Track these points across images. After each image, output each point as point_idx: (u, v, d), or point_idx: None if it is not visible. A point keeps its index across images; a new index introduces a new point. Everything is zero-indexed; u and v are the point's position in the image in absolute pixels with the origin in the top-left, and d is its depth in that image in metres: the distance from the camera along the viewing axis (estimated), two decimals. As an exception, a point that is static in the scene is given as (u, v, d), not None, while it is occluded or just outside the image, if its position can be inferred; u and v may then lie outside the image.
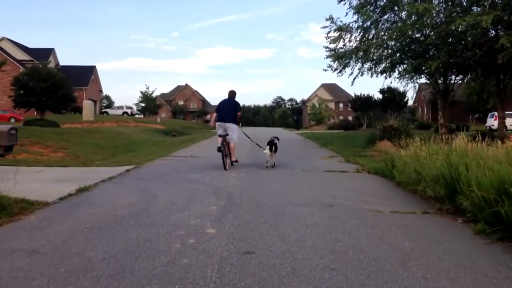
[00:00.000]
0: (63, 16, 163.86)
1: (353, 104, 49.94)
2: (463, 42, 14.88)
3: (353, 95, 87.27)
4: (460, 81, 19.23)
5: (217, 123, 10.70)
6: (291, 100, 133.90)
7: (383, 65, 17.83)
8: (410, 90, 49.51)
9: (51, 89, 28.17)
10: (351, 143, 17.60)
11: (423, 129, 30.50)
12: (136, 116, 61.42)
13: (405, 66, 17.44)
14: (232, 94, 10.93)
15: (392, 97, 42.57)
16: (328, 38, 18.17)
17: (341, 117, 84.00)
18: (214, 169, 9.67)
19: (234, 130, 10.52)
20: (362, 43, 17.26)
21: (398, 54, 17.34)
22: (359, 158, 12.54)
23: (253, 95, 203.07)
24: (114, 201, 6.13)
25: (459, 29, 14.32)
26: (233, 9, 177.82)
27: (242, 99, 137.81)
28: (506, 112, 33.32)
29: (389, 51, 17.34)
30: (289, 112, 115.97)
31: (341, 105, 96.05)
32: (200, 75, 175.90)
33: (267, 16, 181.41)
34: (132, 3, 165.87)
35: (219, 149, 9.83)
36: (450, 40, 15.28)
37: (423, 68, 16.13)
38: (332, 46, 18.17)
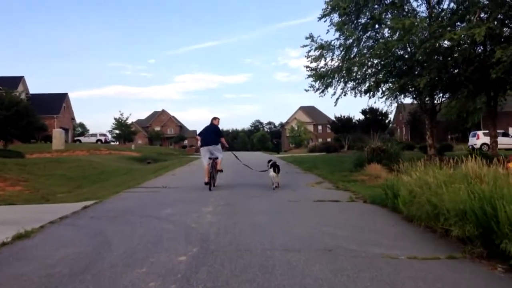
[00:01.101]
0: (38, 45, 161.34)
1: (333, 126, 49.33)
2: (449, 59, 14.16)
3: (331, 117, 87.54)
4: (447, 99, 18.47)
5: (202, 148, 11.24)
6: (269, 123, 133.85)
7: (367, 84, 17.00)
8: (394, 110, 49.18)
9: (15, 118, 26.40)
10: (337, 166, 16.52)
11: (407, 150, 29.78)
12: (112, 143, 59.54)
13: (390, 85, 16.64)
14: (214, 120, 11.66)
15: (374, 117, 42.07)
16: (309, 57, 17.32)
17: (320, 140, 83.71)
18: (188, 203, 8.39)
19: (219, 150, 11.19)
20: (345, 62, 16.42)
21: (383, 73, 16.54)
22: (348, 183, 11.43)
23: (231, 120, 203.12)
24: (56, 253, 4.80)
25: (448, 44, 13.62)
26: (211, 35, 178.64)
27: (220, 124, 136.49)
28: (488, 131, 33.28)
29: (373, 69, 16.55)
30: (268, 136, 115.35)
31: (320, 127, 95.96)
32: (178, 100, 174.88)
33: (244, 42, 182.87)
34: (108, 32, 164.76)
35: (206, 183, 10.47)
36: (437, 57, 14.55)
37: (410, 86, 15.34)
38: (313, 65, 17.32)
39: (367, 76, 16.78)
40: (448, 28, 13.92)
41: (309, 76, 17.45)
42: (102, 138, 55.79)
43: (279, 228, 5.90)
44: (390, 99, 18.26)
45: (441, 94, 17.67)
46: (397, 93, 16.72)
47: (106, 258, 4.55)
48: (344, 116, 46.11)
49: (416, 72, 14.97)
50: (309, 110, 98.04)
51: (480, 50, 14.61)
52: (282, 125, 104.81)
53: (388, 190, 7.47)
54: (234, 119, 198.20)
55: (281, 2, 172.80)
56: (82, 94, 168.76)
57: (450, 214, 4.73)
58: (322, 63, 17.22)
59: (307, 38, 16.97)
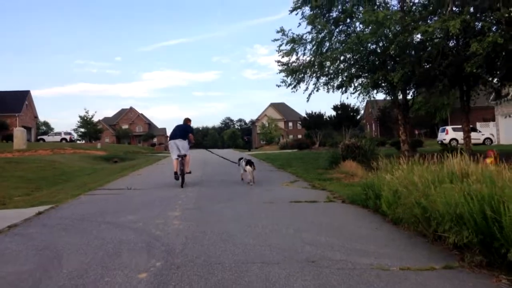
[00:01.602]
0: (2, 42, 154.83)
1: (304, 123, 49.10)
2: (422, 53, 13.89)
3: (302, 113, 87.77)
4: (421, 94, 18.30)
5: (169, 142, 11.81)
6: (240, 120, 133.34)
7: (340, 80, 16.61)
8: (374, 104, 49.34)
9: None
10: (311, 164, 16.09)
11: (379, 146, 29.76)
12: (78, 142, 57.56)
13: (363, 80, 16.32)
14: (186, 121, 12.26)
15: (345, 113, 41.96)
16: (280, 51, 16.77)
17: (291, 136, 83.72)
18: (153, 206, 7.70)
19: (185, 146, 11.45)
20: (317, 56, 15.96)
21: (356, 67, 16.18)
22: (324, 182, 10.97)
23: (201, 117, 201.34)
24: (-7, 272, 4.06)
25: (422, 38, 13.34)
26: (179, 32, 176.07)
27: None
28: (459, 126, 33.73)
29: (346, 64, 16.15)
30: (239, 133, 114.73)
31: (290, 124, 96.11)
32: (146, 98, 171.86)
33: (213, 39, 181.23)
34: (74, 28, 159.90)
35: (176, 177, 10.92)
36: (410, 51, 14.28)
37: (383, 81, 15.04)
38: (284, 60, 16.79)
39: (340, 71, 16.39)
40: (420, 22, 13.66)
41: (281, 71, 16.92)
42: (67, 137, 53.85)
43: (254, 235, 5.31)
44: (362, 94, 17.96)
45: (414, 89, 17.46)
46: (370, 88, 16.39)
47: (53, 278, 3.86)
48: (315, 113, 45.94)
49: (389, 67, 14.70)
50: (280, 107, 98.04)
51: (453, 44, 14.42)
52: (252, 122, 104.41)
53: (368, 189, 7.00)
54: (204, 117, 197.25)
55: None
56: (47, 92, 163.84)
57: (443, 218, 4.26)
58: (294, 57, 16.73)
59: (278, 31, 16.44)
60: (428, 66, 14.09)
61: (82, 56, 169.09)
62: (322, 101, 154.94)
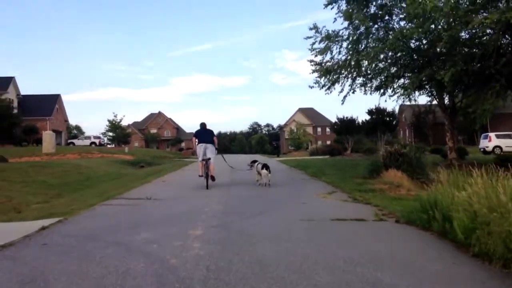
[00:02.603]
0: (33, 46, 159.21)
1: (335, 128, 47.37)
2: (475, 49, 12.44)
3: (331, 118, 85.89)
4: (471, 96, 16.65)
5: (198, 145, 12.29)
6: (267, 125, 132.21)
7: (379, 80, 15.25)
8: (407, 109, 47.08)
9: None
10: (347, 172, 14.79)
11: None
12: (108, 146, 57.75)
13: (404, 80, 14.91)
14: (204, 125, 12.84)
15: (381, 118, 39.90)
16: (313, 50, 15.59)
17: (320, 142, 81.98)
18: (171, 222, 6.64)
19: (212, 151, 12.20)
20: (354, 55, 14.68)
21: (398, 66, 14.79)
22: (366, 194, 9.70)
23: (229, 122, 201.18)
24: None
25: (475, 32, 11.92)
26: (209, 37, 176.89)
27: (218, 126, 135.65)
28: (502, 133, 31.60)
29: (385, 63, 14.80)
30: (266, 138, 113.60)
31: (319, 129, 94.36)
32: (175, 103, 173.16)
33: (242, 44, 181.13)
34: (107, 33, 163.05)
35: (200, 176, 11.83)
36: (460, 48, 12.83)
37: (427, 82, 13.62)
38: (318, 59, 15.59)
39: (379, 71, 15.05)
40: (473, 15, 12.22)
41: (314, 71, 15.73)
42: (97, 141, 54.10)
43: (294, 268, 4.14)
44: (403, 97, 16.52)
45: (463, 91, 15.83)
46: (412, 90, 14.87)
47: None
48: (347, 117, 44.20)
49: (436, 66, 13.24)
50: (308, 112, 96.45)
51: (508, 40, 12.87)
52: (280, 127, 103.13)
53: (430, 208, 5.73)
54: (232, 122, 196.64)
55: (278, 4, 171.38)
56: (79, 96, 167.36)
57: None
58: (328, 56, 15.52)
59: (311, 29, 15.31)
60: (480, 64, 12.57)
61: (115, 61, 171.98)
62: (354, 105, 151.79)
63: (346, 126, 42.78)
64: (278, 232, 5.84)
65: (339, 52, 15.33)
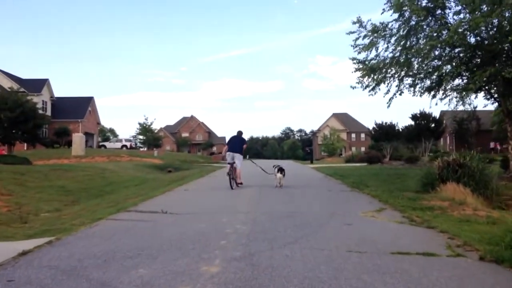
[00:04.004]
0: (68, 49, 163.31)
1: (373, 134, 44.92)
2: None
3: (366, 124, 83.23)
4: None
5: (227, 153, 13.55)
6: (300, 131, 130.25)
7: (432, 79, 13.40)
8: (448, 115, 44.12)
9: (20, 120, 23.91)
10: (393, 184, 13.04)
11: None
12: (141, 149, 57.47)
13: (462, 80, 13.02)
14: (240, 133, 14.09)
15: (426, 124, 37.12)
16: (356, 46, 13.93)
17: (354, 148, 79.39)
18: (182, 248, 5.19)
19: (239, 159, 13.41)
20: (403, 51, 12.92)
21: (452, 64, 12.91)
22: (423, 213, 8.00)
23: (261, 127, 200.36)
24: None
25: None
26: (242, 43, 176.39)
27: (250, 131, 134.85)
28: None
29: (441, 60, 12.92)
30: (299, 144, 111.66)
31: (353, 135, 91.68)
32: (208, 108, 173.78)
33: (275, 49, 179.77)
34: (143, 40, 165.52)
35: (228, 174, 12.83)
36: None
37: (495, 80, 11.72)
38: (361, 56, 13.91)
39: (432, 69, 13.20)
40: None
41: (357, 69, 14.05)
42: (128, 144, 53.80)
43: None
44: (456, 99, 14.59)
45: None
46: (473, 90, 12.89)
47: None
48: (386, 123, 41.75)
49: (502, 62, 11.37)
50: (343, 117, 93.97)
51: None
52: (313, 132, 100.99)
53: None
54: (264, 127, 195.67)
55: (311, 9, 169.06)
56: (116, 99, 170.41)
57: None
58: (373, 53, 13.81)
59: (354, 23, 13.66)
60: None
61: (150, 66, 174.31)
62: (391, 111, 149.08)
63: (385, 132, 40.33)
64: (319, 270, 4.29)
65: (386, 49, 13.61)
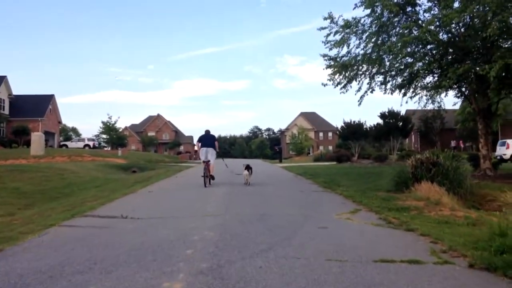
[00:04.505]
0: (37, 48, 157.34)
1: (341, 132, 45.03)
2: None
3: (333, 123, 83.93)
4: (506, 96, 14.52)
5: (201, 149, 13.81)
6: (268, 130, 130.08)
7: (403, 77, 13.21)
8: (413, 114, 44.57)
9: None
10: (365, 183, 12.75)
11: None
12: (104, 149, 55.65)
13: (434, 77, 12.85)
14: (208, 131, 14.37)
15: (394, 122, 37.31)
16: (327, 42, 13.58)
17: (321, 147, 79.92)
18: (141, 261, 4.56)
19: (213, 154, 13.68)
20: (375, 48, 12.66)
21: (424, 61, 12.74)
22: (399, 214, 7.68)
23: (228, 126, 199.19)
24: None
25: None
26: (210, 42, 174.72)
27: (218, 130, 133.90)
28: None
29: (414, 58, 12.71)
30: (267, 143, 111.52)
31: (321, 134, 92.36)
32: (175, 106, 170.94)
33: (243, 49, 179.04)
34: (109, 38, 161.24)
35: (203, 175, 12.98)
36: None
37: (467, 77, 11.59)
38: (333, 53, 13.56)
39: (404, 66, 13.00)
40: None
41: (328, 66, 13.69)
42: (91, 143, 51.93)
43: None
44: (425, 98, 14.48)
45: (506, 90, 13.70)
46: (446, 87, 12.77)
47: None
48: (354, 121, 41.90)
49: (474, 60, 11.24)
50: (310, 116, 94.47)
51: None
52: (281, 131, 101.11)
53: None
54: (232, 126, 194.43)
55: (280, 10, 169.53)
56: (79, 98, 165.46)
57: None
58: (344, 50, 13.49)
59: (325, 18, 13.30)
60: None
61: (117, 64, 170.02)
62: (360, 110, 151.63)
63: (353, 130, 40.43)
64: (299, 285, 3.79)
65: (358, 45, 13.32)
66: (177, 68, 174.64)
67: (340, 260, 4.61)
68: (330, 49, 13.45)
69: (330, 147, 75.12)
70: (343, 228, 6.55)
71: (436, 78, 13.34)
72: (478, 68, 10.45)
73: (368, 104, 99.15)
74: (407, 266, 4.40)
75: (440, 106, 19.08)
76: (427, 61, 12.83)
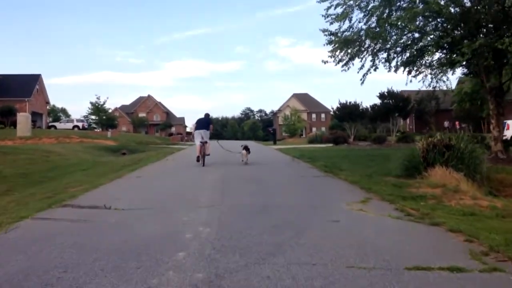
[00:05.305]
0: (27, 28, 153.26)
1: (336, 113, 44.12)
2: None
3: (326, 105, 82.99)
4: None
5: (196, 131, 14.61)
6: (260, 111, 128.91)
7: (411, 51, 12.28)
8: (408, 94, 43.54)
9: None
10: (368, 167, 11.94)
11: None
12: (95, 130, 54.33)
13: (442, 54, 11.98)
14: (207, 115, 15.36)
15: (394, 102, 36.22)
16: (327, 16, 12.59)
17: (315, 128, 79.16)
18: (121, 272, 3.68)
19: (207, 135, 14.29)
20: (379, 22, 11.71)
21: (437, 34, 11.80)
22: (416, 203, 6.87)
23: (221, 107, 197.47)
24: None
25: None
26: (202, 22, 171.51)
27: (210, 112, 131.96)
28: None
29: (424, 31, 11.78)
30: (260, 124, 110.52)
31: (314, 115, 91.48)
32: (167, 87, 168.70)
33: (235, 30, 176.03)
34: (100, 18, 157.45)
35: (198, 159, 13.70)
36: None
37: (481, 53, 10.72)
38: (334, 27, 12.60)
39: (411, 42, 12.08)
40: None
41: (329, 42, 12.72)
42: (80, 124, 50.59)
43: None
44: (432, 75, 13.59)
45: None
46: (461, 62, 11.85)
47: None
48: (350, 102, 40.95)
49: (490, 33, 10.38)
50: (303, 97, 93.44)
51: None
52: (274, 113, 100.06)
53: None
54: (224, 107, 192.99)
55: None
56: (69, 79, 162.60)
57: None
58: (346, 24, 12.51)
59: (326, -11, 12.24)
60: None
61: (107, 45, 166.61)
62: (354, 91, 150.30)
63: (349, 111, 39.44)
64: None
65: (362, 19, 12.33)
66: (168, 49, 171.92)
67: (365, 268, 3.78)
68: (331, 23, 12.51)
69: (323, 128, 74.36)
70: (357, 222, 5.73)
71: (445, 54, 12.47)
72: (497, 42, 9.62)
73: (362, 85, 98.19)
74: (449, 276, 3.59)
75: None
76: (437, 35, 11.94)
